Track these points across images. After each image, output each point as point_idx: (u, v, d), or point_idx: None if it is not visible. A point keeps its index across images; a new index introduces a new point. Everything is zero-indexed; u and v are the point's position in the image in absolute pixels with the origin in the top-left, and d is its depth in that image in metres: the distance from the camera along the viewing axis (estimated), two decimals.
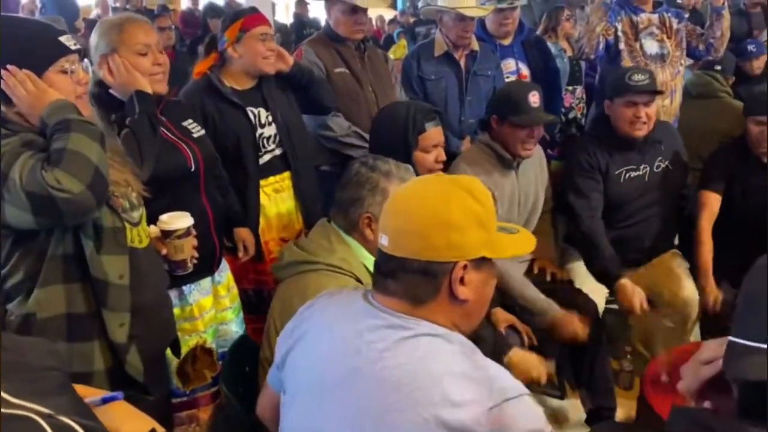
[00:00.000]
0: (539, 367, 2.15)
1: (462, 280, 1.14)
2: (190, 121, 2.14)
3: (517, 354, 2.17)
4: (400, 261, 1.14)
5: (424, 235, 1.13)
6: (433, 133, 2.23)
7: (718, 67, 3.62)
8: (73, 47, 1.55)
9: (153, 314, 1.67)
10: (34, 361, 0.75)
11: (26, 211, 1.38)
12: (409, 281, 1.14)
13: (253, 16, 2.46)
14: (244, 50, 2.40)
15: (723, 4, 3.25)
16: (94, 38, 1.98)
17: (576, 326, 2.35)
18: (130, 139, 1.80)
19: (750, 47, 4.11)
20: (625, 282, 2.55)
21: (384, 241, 1.17)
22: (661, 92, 2.79)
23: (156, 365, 1.73)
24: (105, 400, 0.96)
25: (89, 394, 0.95)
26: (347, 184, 1.78)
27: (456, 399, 1.04)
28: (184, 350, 2.00)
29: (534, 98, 2.47)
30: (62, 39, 1.54)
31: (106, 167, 1.45)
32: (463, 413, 1.04)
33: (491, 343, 2.09)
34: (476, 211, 1.15)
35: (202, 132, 2.15)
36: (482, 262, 1.16)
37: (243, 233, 2.37)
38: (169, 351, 1.86)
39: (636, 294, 2.53)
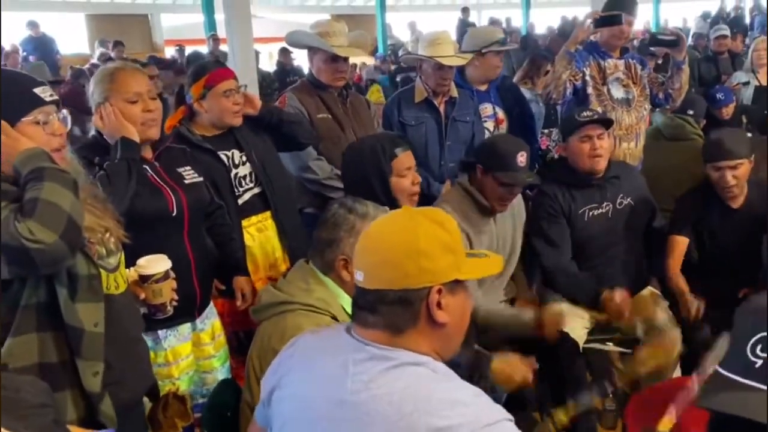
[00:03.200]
0: (521, 368, 2.11)
1: (439, 305, 1.18)
2: (188, 168, 2.17)
3: (496, 362, 2.11)
4: (376, 293, 1.18)
5: (396, 265, 1.17)
6: (405, 157, 2.26)
7: (691, 111, 3.76)
8: (48, 99, 1.55)
9: (128, 361, 1.66)
10: (30, 398, 0.76)
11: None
12: (388, 312, 1.18)
13: (217, 71, 2.46)
14: (210, 106, 2.43)
15: (684, 58, 3.38)
16: (90, 88, 2.06)
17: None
18: (104, 181, 1.85)
19: (719, 95, 4.26)
20: (606, 294, 2.58)
21: (359, 276, 1.21)
22: (610, 122, 2.86)
23: (131, 412, 1.71)
24: None
25: None
26: (324, 225, 1.80)
27: (440, 425, 1.07)
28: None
29: (522, 158, 2.48)
30: (37, 90, 1.55)
31: (80, 215, 1.45)
32: None
33: (469, 366, 2.05)
34: (442, 237, 1.19)
35: (198, 179, 2.18)
36: (456, 285, 1.20)
37: (242, 282, 2.37)
38: (146, 398, 1.84)
39: (622, 299, 2.55)
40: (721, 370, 0.88)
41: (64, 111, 1.60)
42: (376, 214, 1.78)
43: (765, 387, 0.83)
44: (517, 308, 2.48)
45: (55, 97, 1.59)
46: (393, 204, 2.09)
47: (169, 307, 1.83)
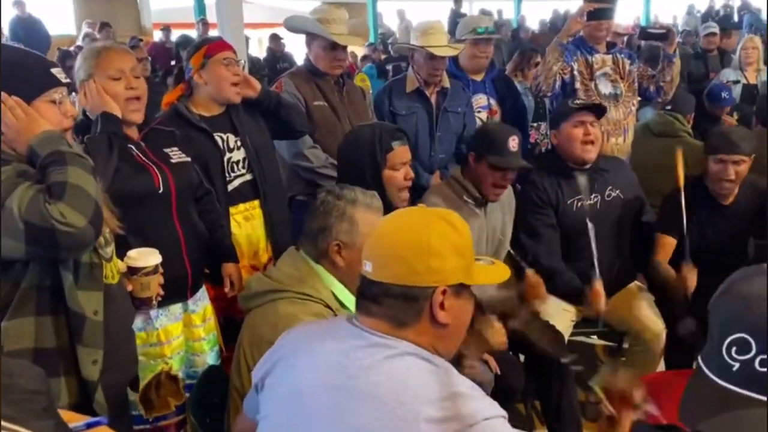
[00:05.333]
0: (500, 332, 2.28)
1: (442, 305, 1.19)
2: (175, 149, 2.17)
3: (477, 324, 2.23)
4: (382, 286, 1.19)
5: (405, 260, 1.18)
6: (401, 151, 2.26)
7: (678, 108, 3.78)
8: (63, 80, 1.58)
9: (119, 351, 1.66)
10: (23, 384, 0.76)
11: (19, 241, 1.37)
12: (392, 305, 1.19)
13: (217, 42, 2.52)
14: (209, 76, 2.43)
15: (675, 51, 3.40)
16: (76, 66, 2.06)
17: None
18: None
19: (723, 94, 4.28)
20: (586, 287, 2.61)
21: (368, 267, 1.21)
22: (604, 109, 2.88)
23: (118, 401, 1.71)
24: (89, 425, 0.95)
25: (73, 419, 0.95)
26: (315, 213, 1.80)
27: (435, 417, 1.08)
28: (148, 376, 1.99)
29: (513, 143, 2.52)
30: (54, 71, 1.57)
31: (101, 201, 1.47)
32: (441, 429, 1.07)
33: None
34: (455, 239, 1.20)
35: (185, 159, 2.17)
36: (461, 289, 1.22)
37: (230, 268, 2.37)
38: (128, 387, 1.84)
39: (600, 297, 2.59)
40: (702, 366, 0.89)
41: (74, 93, 1.60)
42: (365, 200, 1.80)
43: (742, 391, 0.82)
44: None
45: (69, 80, 1.61)
46: (382, 194, 2.09)
47: (154, 302, 1.84)
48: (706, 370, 0.87)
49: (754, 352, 0.82)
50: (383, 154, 2.23)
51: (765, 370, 0.81)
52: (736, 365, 0.83)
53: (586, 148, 2.73)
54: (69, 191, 1.39)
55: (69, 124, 1.60)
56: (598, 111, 2.83)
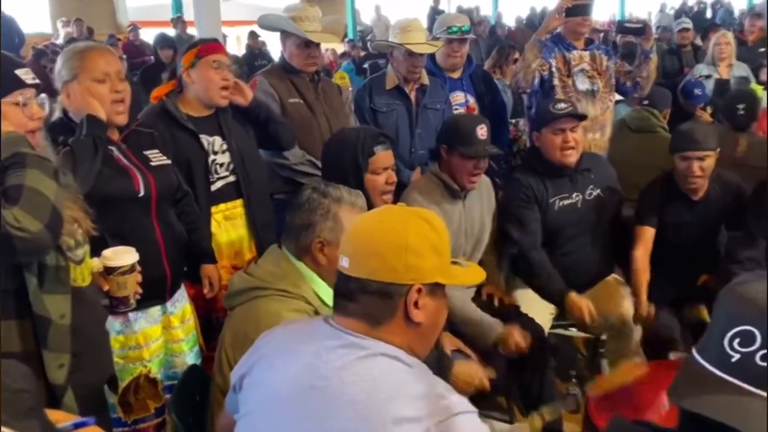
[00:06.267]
0: (479, 372, 2.21)
1: (416, 304, 1.19)
2: (155, 151, 2.15)
3: (458, 366, 2.21)
4: (359, 282, 1.20)
5: (382, 256, 1.18)
6: (383, 156, 2.28)
7: (655, 103, 3.83)
8: (29, 81, 1.55)
9: (92, 354, 1.65)
10: (8, 383, 0.75)
11: None
12: (367, 302, 1.19)
13: (211, 44, 2.50)
14: (197, 76, 2.42)
15: (651, 47, 3.44)
16: (58, 66, 2.02)
17: (517, 337, 2.41)
18: (68, 158, 1.82)
19: (696, 91, 4.33)
20: (573, 296, 2.63)
21: (344, 262, 1.22)
22: (584, 116, 2.92)
23: (92, 404, 1.69)
24: (76, 426, 0.95)
25: (61, 419, 0.95)
26: (298, 209, 1.80)
27: (408, 416, 1.08)
28: (127, 379, 1.98)
29: (482, 131, 2.56)
30: (19, 72, 1.55)
31: (62, 205, 1.44)
32: (413, 429, 1.08)
33: (434, 365, 2.13)
34: (432, 238, 1.21)
35: (165, 161, 2.16)
36: (436, 288, 1.23)
37: (209, 270, 2.36)
38: (106, 387, 1.83)
39: (584, 305, 2.61)
40: (696, 356, 0.89)
41: (43, 95, 1.59)
42: (350, 199, 1.80)
43: (736, 381, 0.83)
44: (488, 317, 2.51)
45: (37, 81, 1.58)
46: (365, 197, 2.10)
47: (132, 301, 1.82)
48: (702, 360, 0.87)
49: (757, 345, 0.83)
50: (365, 158, 2.24)
51: (764, 364, 0.82)
52: (737, 356, 0.84)
53: (566, 154, 2.76)
54: (25, 195, 1.36)
55: (34, 126, 1.57)
56: (580, 116, 2.86)
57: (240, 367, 1.33)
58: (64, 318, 1.52)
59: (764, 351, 0.82)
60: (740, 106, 3.65)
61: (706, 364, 0.86)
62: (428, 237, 1.20)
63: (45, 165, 1.45)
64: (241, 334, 1.67)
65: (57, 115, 2.06)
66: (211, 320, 2.46)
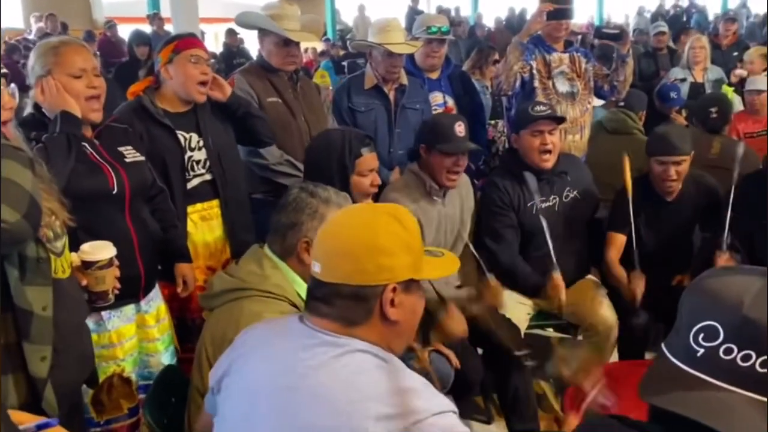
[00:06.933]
0: (462, 323, 2.37)
1: (392, 302, 1.19)
2: (129, 147, 2.13)
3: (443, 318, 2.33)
4: (332, 287, 1.18)
5: (354, 260, 1.17)
6: (369, 158, 2.30)
7: (631, 105, 3.88)
8: None
9: (72, 347, 1.62)
10: None
11: None
12: (342, 306, 1.18)
13: (188, 39, 2.48)
14: (175, 71, 2.40)
15: (628, 51, 3.48)
16: (31, 61, 2.00)
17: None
18: (42, 154, 1.79)
19: (672, 94, 4.40)
20: (555, 275, 2.66)
21: (316, 268, 1.21)
22: (563, 119, 2.94)
23: (71, 399, 1.67)
24: (39, 427, 0.94)
25: (24, 420, 0.93)
26: (285, 208, 1.79)
27: (385, 413, 1.08)
28: (100, 378, 1.95)
29: (459, 128, 2.59)
30: None
31: (39, 195, 1.42)
32: (391, 426, 1.07)
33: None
34: (403, 236, 1.20)
35: (139, 158, 2.13)
36: (411, 284, 1.22)
37: (184, 269, 2.33)
38: (84, 386, 1.81)
39: (560, 288, 2.64)
40: (665, 351, 0.90)
41: (12, 85, 1.55)
42: (337, 200, 1.80)
43: (702, 376, 0.85)
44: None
45: (4, 71, 1.54)
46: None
47: (110, 296, 1.80)
48: (670, 356, 0.89)
49: (720, 340, 0.85)
50: (352, 159, 2.25)
51: (727, 358, 0.84)
52: (701, 351, 0.85)
53: (544, 157, 2.79)
54: (2, 186, 1.34)
55: (6, 117, 1.54)
56: (558, 119, 2.88)
57: (218, 367, 1.32)
58: (46, 310, 1.50)
59: (726, 345, 0.84)
60: (713, 109, 3.72)
61: (674, 360, 0.88)
62: (398, 234, 1.20)
63: (19, 155, 1.42)
64: (221, 334, 1.65)
65: (28, 110, 2.03)
66: (185, 321, 2.43)
